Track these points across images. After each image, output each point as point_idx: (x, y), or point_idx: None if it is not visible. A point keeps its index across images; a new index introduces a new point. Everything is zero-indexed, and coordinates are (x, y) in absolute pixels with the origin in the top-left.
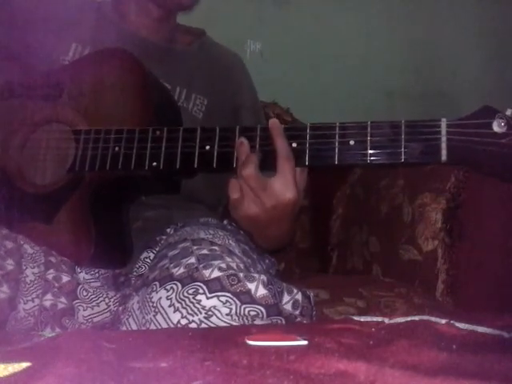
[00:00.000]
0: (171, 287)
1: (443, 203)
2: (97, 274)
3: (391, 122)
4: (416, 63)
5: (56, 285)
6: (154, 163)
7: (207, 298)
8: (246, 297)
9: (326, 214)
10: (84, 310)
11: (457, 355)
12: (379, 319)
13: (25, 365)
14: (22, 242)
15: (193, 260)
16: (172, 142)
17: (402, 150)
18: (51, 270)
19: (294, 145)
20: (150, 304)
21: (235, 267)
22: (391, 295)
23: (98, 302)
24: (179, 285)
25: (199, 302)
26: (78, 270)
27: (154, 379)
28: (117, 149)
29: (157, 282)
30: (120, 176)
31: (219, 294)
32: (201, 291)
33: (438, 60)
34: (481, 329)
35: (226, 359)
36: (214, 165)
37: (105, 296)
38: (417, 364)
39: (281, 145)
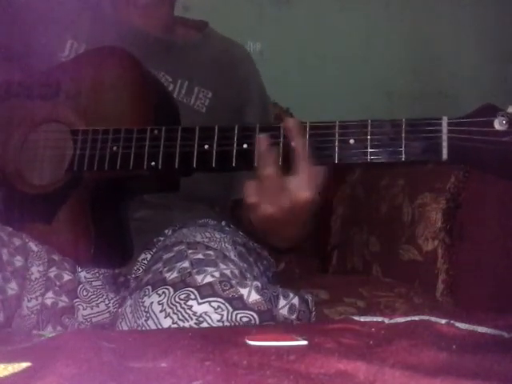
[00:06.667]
0: (163, 292)
1: (443, 203)
2: (97, 274)
3: (392, 120)
4: (416, 63)
5: (57, 283)
6: (153, 163)
7: (198, 304)
8: (237, 302)
9: (326, 214)
10: (84, 310)
11: (457, 355)
12: (379, 319)
13: (25, 365)
14: (27, 240)
15: (186, 264)
16: (170, 141)
17: (403, 148)
18: (53, 268)
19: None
20: (142, 308)
21: (229, 274)
22: (391, 295)
23: (98, 302)
24: (171, 289)
25: (190, 307)
26: (79, 269)
27: (154, 379)
28: (115, 148)
29: (149, 286)
30: (118, 175)
31: (211, 299)
32: (192, 296)
33: (438, 60)
34: (481, 329)
35: (226, 359)
36: (213, 164)
37: (105, 297)
38: (417, 364)
39: (296, 144)
